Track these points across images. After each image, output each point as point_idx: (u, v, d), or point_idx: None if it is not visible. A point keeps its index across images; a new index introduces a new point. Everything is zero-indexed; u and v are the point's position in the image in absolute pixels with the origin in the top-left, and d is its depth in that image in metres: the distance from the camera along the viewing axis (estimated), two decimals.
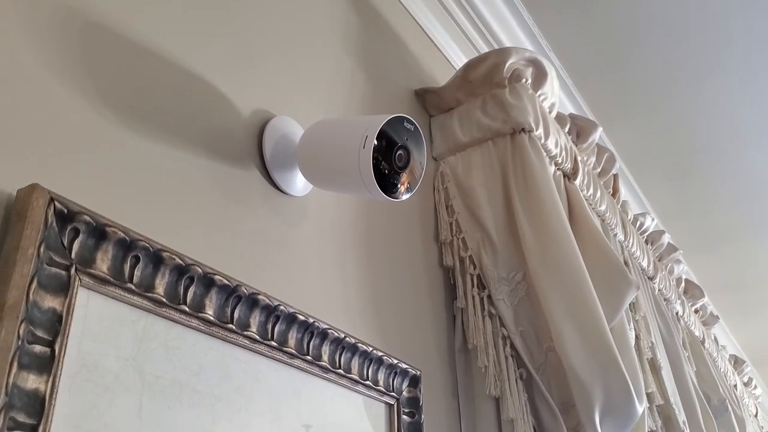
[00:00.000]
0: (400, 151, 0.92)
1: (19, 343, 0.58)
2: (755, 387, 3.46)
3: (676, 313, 2.28)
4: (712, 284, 3.56)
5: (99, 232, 0.68)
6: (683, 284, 2.46)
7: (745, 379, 3.26)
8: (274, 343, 0.87)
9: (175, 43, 0.91)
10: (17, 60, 0.70)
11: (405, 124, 0.93)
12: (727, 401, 2.23)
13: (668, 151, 2.63)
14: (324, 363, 0.94)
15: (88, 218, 0.67)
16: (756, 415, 3.35)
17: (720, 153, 2.62)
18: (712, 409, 2.13)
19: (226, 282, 0.81)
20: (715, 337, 2.84)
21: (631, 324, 1.63)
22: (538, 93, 1.50)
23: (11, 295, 0.59)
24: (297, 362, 0.90)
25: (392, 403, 1.08)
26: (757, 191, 2.86)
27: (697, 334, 2.46)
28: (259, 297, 0.85)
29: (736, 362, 3.15)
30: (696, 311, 2.57)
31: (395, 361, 1.08)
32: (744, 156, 2.63)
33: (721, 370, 2.69)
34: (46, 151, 0.70)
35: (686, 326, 2.36)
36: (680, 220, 3.06)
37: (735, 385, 2.94)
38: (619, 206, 1.93)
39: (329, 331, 0.95)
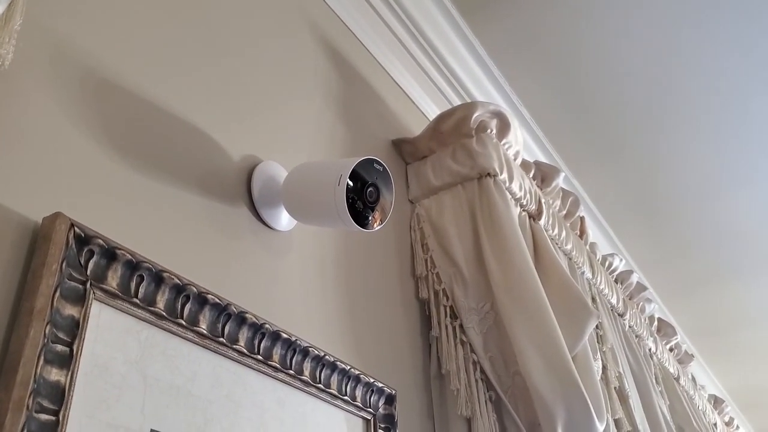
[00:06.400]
0: (370, 188, 1.06)
1: (45, 341, 0.70)
2: (737, 427, 3.52)
3: (649, 350, 2.38)
4: (692, 328, 3.65)
5: (110, 254, 0.81)
6: (656, 323, 2.57)
7: (726, 419, 3.33)
8: (260, 357, 0.98)
9: (177, 97, 1.05)
10: (43, 112, 0.84)
11: (375, 165, 1.07)
12: None
13: (641, 197, 2.73)
14: (305, 377, 1.06)
15: (101, 242, 0.80)
16: None
17: (692, 198, 2.71)
18: None
19: (218, 301, 0.93)
20: (693, 376, 2.93)
21: (598, 355, 1.74)
22: (503, 142, 1.65)
23: (39, 302, 0.71)
24: (281, 375, 1.02)
25: (369, 418, 1.18)
26: (731, 235, 2.92)
27: (671, 370, 2.56)
28: (247, 315, 0.97)
29: (716, 402, 3.22)
30: (671, 349, 2.68)
31: (372, 380, 1.19)
32: (717, 201, 2.71)
33: (699, 408, 2.77)
34: (67, 186, 0.83)
35: (659, 363, 2.46)
36: (656, 265, 3.15)
37: (715, 424, 3.01)
38: (587, 247, 2.06)
39: (310, 348, 1.07)
